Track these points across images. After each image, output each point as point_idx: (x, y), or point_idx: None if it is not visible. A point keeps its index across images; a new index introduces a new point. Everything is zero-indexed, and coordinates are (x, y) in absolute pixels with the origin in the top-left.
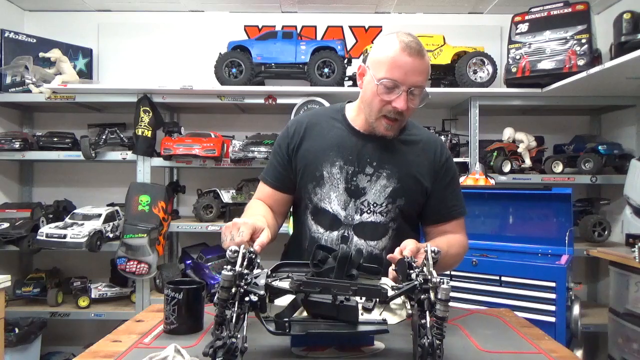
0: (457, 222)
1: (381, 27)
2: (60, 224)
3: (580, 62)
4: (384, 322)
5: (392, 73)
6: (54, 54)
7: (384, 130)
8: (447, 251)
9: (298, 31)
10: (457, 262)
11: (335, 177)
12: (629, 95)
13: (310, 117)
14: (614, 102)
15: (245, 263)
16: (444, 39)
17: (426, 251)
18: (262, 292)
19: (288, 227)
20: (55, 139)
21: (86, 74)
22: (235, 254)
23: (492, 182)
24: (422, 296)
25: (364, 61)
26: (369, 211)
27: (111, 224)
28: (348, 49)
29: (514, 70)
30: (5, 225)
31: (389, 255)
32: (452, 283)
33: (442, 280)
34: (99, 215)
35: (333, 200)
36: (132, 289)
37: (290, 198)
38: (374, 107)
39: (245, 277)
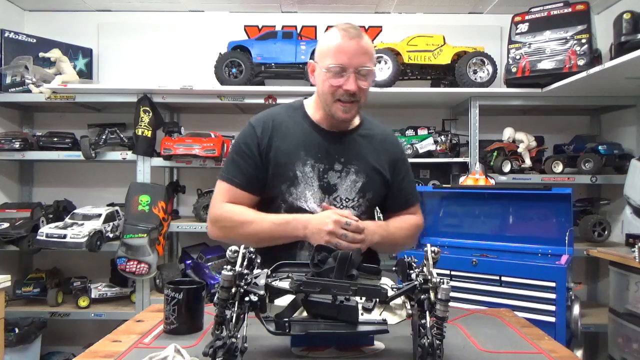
0: (413, 209)
1: (381, 27)
2: (60, 224)
3: (580, 62)
4: (384, 322)
5: (336, 58)
6: (54, 54)
7: (341, 114)
8: (397, 227)
9: (298, 31)
10: (409, 236)
11: (308, 175)
12: (629, 95)
13: (273, 116)
14: (614, 102)
15: (245, 263)
16: (444, 39)
17: (426, 251)
18: (262, 292)
19: None
20: (55, 139)
21: (86, 74)
22: (235, 254)
23: (492, 182)
24: (422, 296)
25: (312, 58)
26: (341, 206)
27: (111, 224)
28: None
29: (514, 70)
30: (5, 225)
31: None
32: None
33: (442, 280)
34: (99, 215)
35: (309, 199)
36: (132, 289)
37: (257, 200)
38: (327, 95)
39: (245, 277)
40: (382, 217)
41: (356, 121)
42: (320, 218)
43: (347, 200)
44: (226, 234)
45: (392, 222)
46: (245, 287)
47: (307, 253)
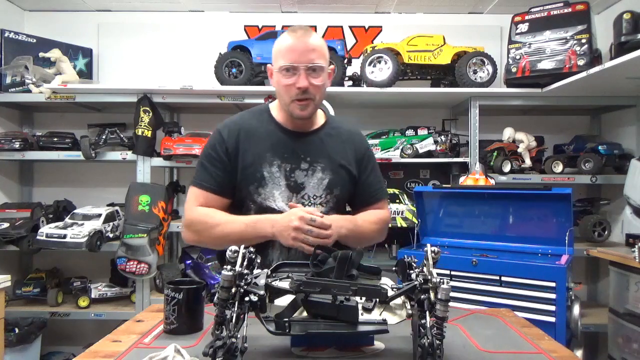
0: (380, 203)
1: (381, 27)
2: (60, 224)
3: (580, 62)
4: (384, 322)
5: (286, 58)
6: (54, 54)
7: (299, 112)
8: (364, 220)
9: None
10: (376, 230)
11: (275, 175)
12: (629, 95)
13: (240, 120)
14: (614, 102)
15: (245, 263)
16: (444, 39)
17: (426, 251)
18: (262, 292)
19: None
20: (55, 139)
21: (86, 74)
22: (235, 254)
23: (492, 182)
24: (422, 296)
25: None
26: (309, 203)
27: (111, 224)
28: (348, 49)
29: (514, 70)
30: (5, 225)
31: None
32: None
33: (442, 280)
34: (99, 215)
35: (277, 198)
36: (132, 289)
37: (228, 203)
38: (283, 94)
39: (245, 277)
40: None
41: (321, 120)
42: (286, 216)
43: (314, 197)
44: (199, 238)
45: (360, 216)
46: (245, 287)
47: (278, 252)
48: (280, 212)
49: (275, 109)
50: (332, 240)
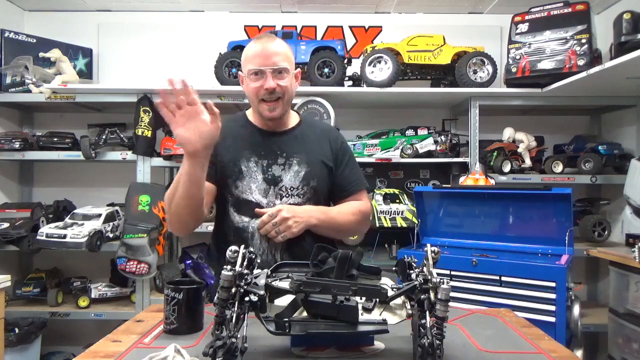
0: (359, 194)
1: (381, 27)
2: (60, 224)
3: (580, 62)
4: (384, 322)
5: (253, 63)
6: (54, 54)
7: (267, 112)
8: (339, 211)
9: (298, 31)
10: (353, 221)
11: (252, 170)
12: (629, 95)
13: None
14: (614, 102)
15: (245, 263)
16: (444, 39)
17: (426, 251)
18: (262, 292)
19: None
20: (55, 139)
21: (86, 74)
22: (235, 254)
23: (492, 182)
24: (422, 296)
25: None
26: (287, 195)
27: (111, 224)
28: (348, 49)
29: (514, 70)
30: (5, 225)
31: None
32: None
33: (442, 280)
34: (99, 215)
35: (254, 191)
36: (132, 289)
37: (213, 188)
38: (253, 97)
39: (245, 277)
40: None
41: (295, 121)
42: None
43: (291, 189)
44: (170, 219)
45: (335, 208)
46: (245, 287)
47: (259, 246)
48: (257, 204)
49: (250, 113)
50: (300, 228)
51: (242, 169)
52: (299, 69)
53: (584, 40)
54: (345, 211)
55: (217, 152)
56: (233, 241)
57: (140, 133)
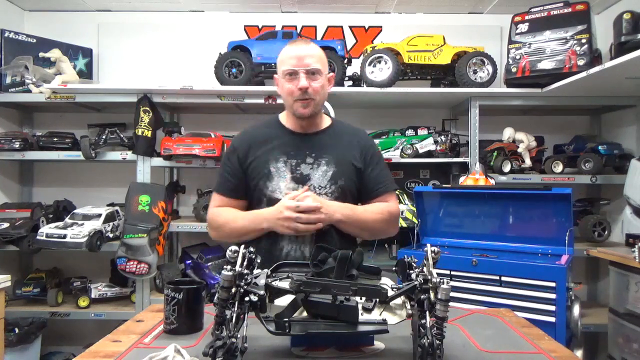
0: (387, 196)
1: (381, 27)
2: (60, 224)
3: (580, 62)
4: (384, 322)
5: (287, 64)
6: (54, 54)
7: (301, 110)
8: (365, 209)
9: (298, 31)
10: (379, 220)
11: (281, 169)
12: (629, 95)
13: (252, 130)
14: (614, 102)
15: (245, 263)
16: (444, 39)
17: (426, 251)
18: (262, 292)
19: None
20: (55, 139)
21: (86, 74)
22: (235, 254)
23: (492, 182)
24: (422, 296)
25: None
26: (315, 193)
27: (111, 224)
28: (348, 49)
29: (514, 70)
30: (5, 225)
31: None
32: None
33: (442, 280)
34: (99, 215)
35: (283, 190)
36: (132, 289)
37: (245, 203)
38: (287, 97)
39: (245, 277)
40: None
41: (326, 123)
42: (275, 209)
43: (320, 187)
44: (218, 234)
45: (361, 206)
46: (245, 287)
47: (287, 239)
48: None
49: (283, 117)
50: (324, 222)
51: (270, 170)
52: (332, 73)
53: (584, 40)
54: (372, 210)
55: (248, 158)
56: (265, 239)
57: (140, 133)
